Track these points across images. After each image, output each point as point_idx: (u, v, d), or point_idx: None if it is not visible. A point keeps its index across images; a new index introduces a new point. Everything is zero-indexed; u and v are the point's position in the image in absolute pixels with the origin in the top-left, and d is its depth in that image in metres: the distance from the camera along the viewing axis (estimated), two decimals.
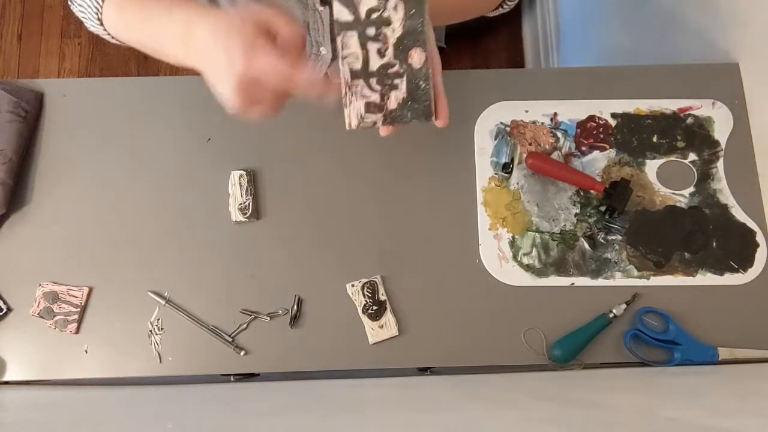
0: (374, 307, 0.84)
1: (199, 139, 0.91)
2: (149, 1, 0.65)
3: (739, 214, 0.88)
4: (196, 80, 0.90)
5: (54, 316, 0.83)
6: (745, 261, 0.86)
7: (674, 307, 0.84)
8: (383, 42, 0.55)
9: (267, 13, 0.57)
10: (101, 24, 0.72)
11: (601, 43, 1.48)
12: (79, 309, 0.84)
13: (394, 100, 0.57)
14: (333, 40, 0.85)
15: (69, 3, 0.74)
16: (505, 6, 0.85)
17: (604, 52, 1.46)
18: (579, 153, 0.91)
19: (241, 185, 0.88)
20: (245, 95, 0.55)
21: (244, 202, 0.87)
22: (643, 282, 0.85)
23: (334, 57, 0.89)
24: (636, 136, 0.92)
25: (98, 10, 0.70)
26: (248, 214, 0.87)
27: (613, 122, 0.92)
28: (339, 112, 0.58)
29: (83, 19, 0.74)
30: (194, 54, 0.59)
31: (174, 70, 2.04)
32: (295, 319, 0.84)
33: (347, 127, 0.57)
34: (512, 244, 0.87)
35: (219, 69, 0.56)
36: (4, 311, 0.84)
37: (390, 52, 0.55)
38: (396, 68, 0.56)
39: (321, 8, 0.80)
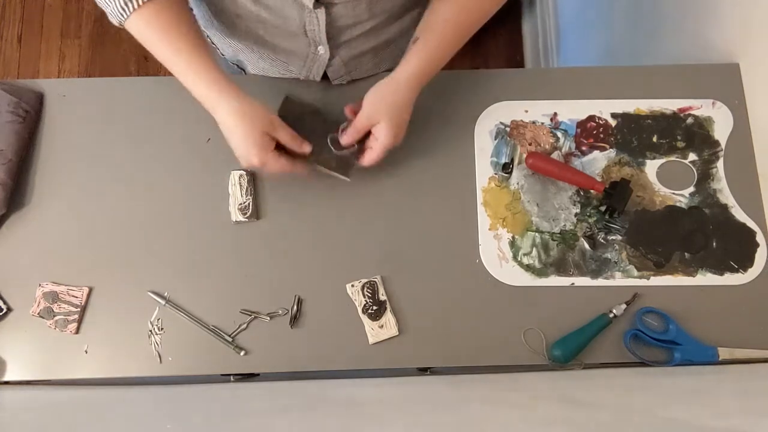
0: (374, 307, 0.83)
1: (199, 139, 0.91)
2: (176, 45, 0.76)
3: (739, 214, 0.88)
4: None
5: (54, 316, 0.83)
6: (745, 261, 0.86)
7: (674, 307, 0.84)
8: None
9: (272, 120, 0.79)
10: (121, 24, 0.77)
11: (601, 43, 1.48)
12: (79, 309, 0.84)
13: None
14: (330, 39, 0.86)
15: None
16: None
17: (604, 52, 1.46)
18: (579, 153, 0.91)
19: (241, 185, 0.88)
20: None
21: (244, 202, 0.87)
22: (643, 282, 0.85)
23: (332, 56, 0.89)
24: (636, 136, 0.92)
25: (122, 16, 0.75)
26: (248, 214, 0.87)
27: (613, 122, 0.92)
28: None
29: (104, 8, 0.76)
30: (220, 123, 0.79)
31: None
32: (295, 319, 0.84)
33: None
34: (512, 244, 0.87)
35: (238, 152, 0.79)
36: (4, 311, 0.84)
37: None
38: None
39: (316, 9, 0.80)
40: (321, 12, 0.80)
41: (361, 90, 0.89)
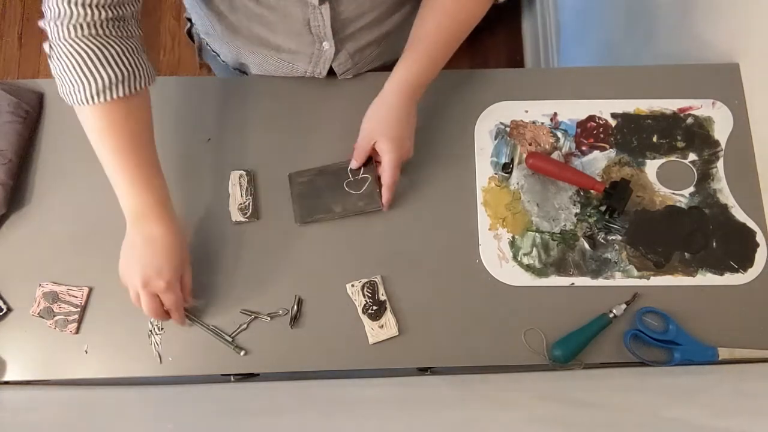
0: (374, 307, 0.83)
1: (199, 139, 0.91)
2: (131, 155, 0.74)
3: (739, 214, 0.88)
4: (196, 80, 0.90)
5: (54, 316, 0.83)
6: (745, 261, 0.86)
7: (674, 307, 0.84)
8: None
9: (184, 260, 0.79)
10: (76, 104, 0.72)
11: (601, 44, 1.48)
12: (79, 309, 0.84)
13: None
14: (335, 34, 0.86)
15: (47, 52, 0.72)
16: None
17: (604, 52, 1.46)
18: (579, 153, 0.91)
19: (241, 185, 0.88)
20: (134, 296, 0.78)
21: (244, 202, 0.87)
22: (643, 282, 0.85)
23: (338, 50, 0.89)
24: (636, 136, 0.92)
25: (91, 101, 0.70)
26: (248, 214, 0.87)
27: (613, 122, 0.92)
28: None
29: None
30: (128, 242, 0.77)
31: (174, 71, 2.04)
32: (295, 319, 0.84)
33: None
34: (512, 244, 0.87)
35: (127, 268, 0.77)
36: (4, 311, 0.84)
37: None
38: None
39: (320, 6, 0.80)
40: (326, 7, 0.81)
41: (364, 84, 0.89)
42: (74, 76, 0.70)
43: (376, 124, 0.83)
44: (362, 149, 0.84)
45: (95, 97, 0.70)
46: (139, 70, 0.72)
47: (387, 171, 0.82)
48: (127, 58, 0.71)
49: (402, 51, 0.84)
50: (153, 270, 0.75)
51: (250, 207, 0.87)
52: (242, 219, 0.87)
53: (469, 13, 0.84)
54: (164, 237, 0.76)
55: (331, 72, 0.94)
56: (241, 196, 0.87)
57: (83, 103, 0.71)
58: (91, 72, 0.69)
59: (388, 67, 0.85)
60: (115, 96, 0.70)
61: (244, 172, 0.88)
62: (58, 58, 0.70)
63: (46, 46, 0.72)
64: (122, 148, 0.73)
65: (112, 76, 0.70)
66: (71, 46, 0.69)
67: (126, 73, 0.71)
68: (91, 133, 0.74)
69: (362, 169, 0.87)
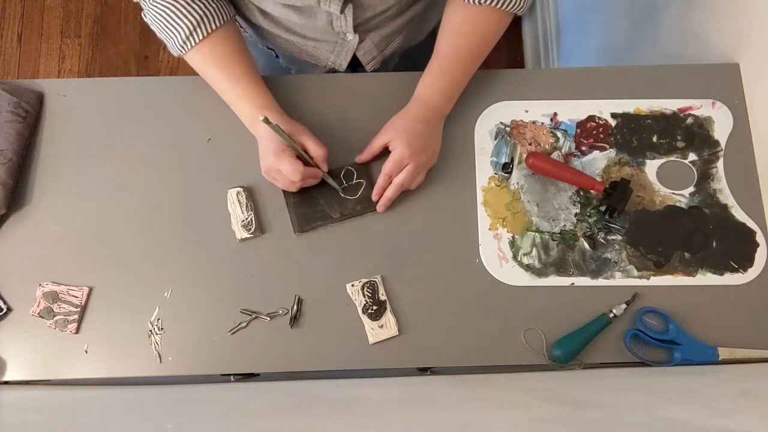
0: (374, 307, 0.83)
1: (199, 139, 0.91)
2: (229, 74, 0.85)
3: (739, 214, 0.88)
4: (196, 80, 0.90)
5: (54, 316, 0.83)
6: (745, 261, 0.86)
7: (674, 307, 0.84)
8: None
9: (302, 134, 0.84)
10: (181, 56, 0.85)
11: (601, 43, 1.48)
12: (79, 309, 0.84)
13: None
14: (358, 26, 0.88)
15: (144, 16, 0.84)
16: (519, 13, 0.86)
17: (604, 52, 1.46)
18: (579, 153, 0.91)
19: (240, 202, 0.87)
20: (270, 176, 0.85)
21: (246, 218, 0.87)
22: (643, 282, 0.85)
23: (361, 40, 0.92)
24: (636, 136, 0.92)
25: (182, 51, 0.84)
26: (252, 230, 0.86)
27: (613, 122, 0.92)
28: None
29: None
30: (260, 140, 0.85)
31: (174, 71, 2.04)
32: (295, 319, 0.84)
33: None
34: (512, 244, 0.87)
35: (269, 160, 0.83)
36: (4, 311, 0.84)
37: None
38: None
39: (342, 14, 0.83)
40: (349, 11, 0.84)
41: (364, 85, 0.90)
42: (163, 34, 0.83)
43: (393, 127, 0.85)
44: (374, 146, 0.86)
45: (183, 47, 0.83)
46: (209, 13, 0.82)
47: (388, 163, 0.83)
48: (196, 5, 0.81)
49: (426, 33, 0.90)
50: (272, 152, 0.81)
51: (253, 222, 0.87)
52: (248, 235, 0.86)
53: (483, 30, 0.85)
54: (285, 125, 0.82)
55: (355, 63, 0.97)
56: (242, 212, 0.87)
57: (180, 52, 0.84)
58: (169, 28, 0.81)
59: (412, 48, 0.91)
60: (196, 41, 0.82)
61: (240, 189, 0.88)
62: (151, 24, 0.83)
63: (143, 16, 0.84)
64: (222, 71, 0.85)
65: (188, 24, 0.81)
66: (152, 9, 0.81)
67: (197, 20, 0.81)
68: (200, 71, 0.87)
69: (355, 174, 0.88)
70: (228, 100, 0.87)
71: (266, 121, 0.74)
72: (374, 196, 0.86)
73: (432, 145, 0.86)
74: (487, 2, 0.82)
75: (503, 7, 0.82)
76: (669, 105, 0.93)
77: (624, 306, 0.83)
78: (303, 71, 1.09)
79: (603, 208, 0.88)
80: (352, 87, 0.93)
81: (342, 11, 0.82)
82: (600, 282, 0.86)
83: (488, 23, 0.85)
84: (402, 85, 0.89)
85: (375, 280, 0.85)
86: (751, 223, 0.87)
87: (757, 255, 0.86)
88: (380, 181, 0.84)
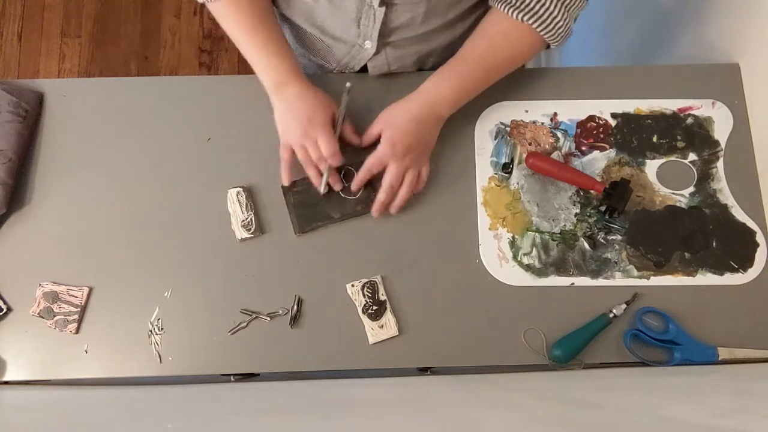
0: (374, 307, 0.84)
1: (199, 139, 0.91)
2: (256, 33, 0.84)
3: (739, 214, 0.88)
4: (196, 80, 0.90)
5: (54, 316, 0.83)
6: (745, 261, 0.86)
7: (674, 307, 0.84)
8: None
9: (333, 112, 0.85)
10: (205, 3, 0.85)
11: (601, 43, 1.48)
12: (79, 309, 0.84)
13: None
14: (380, 37, 0.86)
15: None
16: (552, 45, 0.86)
17: (604, 52, 1.46)
18: (579, 153, 0.91)
19: (240, 202, 0.87)
20: (302, 154, 0.85)
21: (246, 218, 0.86)
22: (643, 282, 0.85)
23: (377, 52, 0.90)
24: (636, 136, 0.92)
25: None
26: (252, 230, 0.86)
27: (613, 122, 0.92)
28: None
29: None
30: (282, 102, 0.84)
31: (174, 70, 2.04)
32: (295, 319, 0.84)
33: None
34: (512, 244, 0.87)
35: (293, 126, 0.83)
36: (4, 311, 0.84)
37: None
38: None
39: (378, 8, 0.80)
40: (381, 11, 0.81)
41: (364, 87, 0.89)
42: None
43: (388, 123, 0.84)
44: (369, 134, 0.86)
45: None
46: None
47: (370, 157, 0.83)
48: None
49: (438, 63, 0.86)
50: (306, 119, 0.82)
51: (253, 222, 0.87)
52: (248, 235, 0.86)
53: (516, 49, 0.85)
54: (304, 91, 0.84)
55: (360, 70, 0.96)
56: (242, 212, 0.87)
57: (206, 2, 0.83)
58: None
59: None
60: None
61: (240, 189, 0.88)
62: None
63: None
64: (248, 30, 0.83)
65: None
66: None
67: None
68: (225, 28, 0.85)
69: (355, 174, 0.87)
70: (252, 59, 0.85)
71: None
72: (354, 187, 0.86)
73: (421, 146, 0.84)
74: (530, 22, 0.80)
75: (543, 32, 0.81)
76: (669, 105, 0.93)
77: (624, 306, 0.83)
78: (307, 70, 1.08)
79: (603, 208, 0.88)
80: (353, 87, 0.93)
81: (381, 4, 0.79)
82: (600, 282, 0.86)
83: (522, 44, 0.84)
84: (405, 85, 0.89)
85: (375, 280, 0.85)
86: (751, 223, 0.87)
87: (757, 255, 0.86)
88: (360, 174, 0.85)
